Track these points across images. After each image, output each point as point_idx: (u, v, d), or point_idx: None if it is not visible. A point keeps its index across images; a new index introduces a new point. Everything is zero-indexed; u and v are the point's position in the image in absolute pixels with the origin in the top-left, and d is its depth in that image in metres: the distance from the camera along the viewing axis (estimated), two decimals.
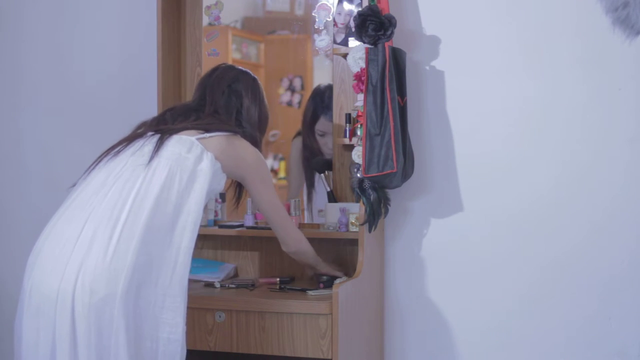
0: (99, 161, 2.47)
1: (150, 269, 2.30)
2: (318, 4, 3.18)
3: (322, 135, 3.27)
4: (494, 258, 3.12)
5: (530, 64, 3.07)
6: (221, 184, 2.56)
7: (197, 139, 2.49)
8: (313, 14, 3.19)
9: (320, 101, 3.28)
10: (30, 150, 3.69)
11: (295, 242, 2.82)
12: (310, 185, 3.32)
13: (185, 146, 2.45)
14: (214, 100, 2.66)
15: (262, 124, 2.77)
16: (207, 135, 2.52)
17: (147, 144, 2.46)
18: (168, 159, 2.41)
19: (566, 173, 3.05)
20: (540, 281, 3.08)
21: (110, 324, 2.24)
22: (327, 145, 3.24)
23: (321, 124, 3.27)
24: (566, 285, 3.06)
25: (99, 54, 3.59)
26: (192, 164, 2.43)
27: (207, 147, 2.49)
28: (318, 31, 3.20)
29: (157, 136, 2.48)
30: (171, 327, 2.34)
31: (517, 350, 3.11)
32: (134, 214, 2.30)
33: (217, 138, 2.53)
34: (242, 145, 2.61)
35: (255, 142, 2.69)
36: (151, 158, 2.40)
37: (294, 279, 3.16)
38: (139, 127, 2.63)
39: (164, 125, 2.55)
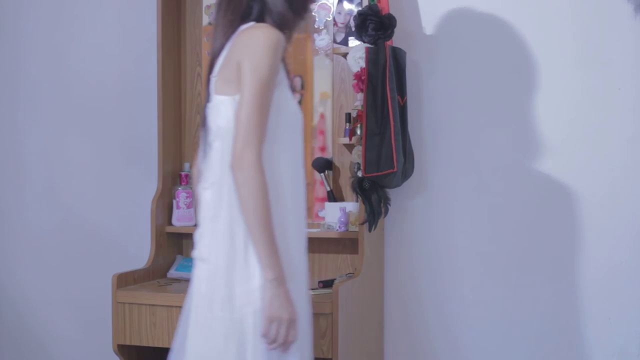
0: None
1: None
2: (318, 4, 3.18)
3: None
4: (494, 258, 3.12)
5: (530, 64, 3.07)
6: None
7: (221, 93, 2.18)
8: (313, 14, 3.19)
9: None
10: (30, 151, 3.69)
11: (246, 154, 2.08)
12: None
13: (219, 115, 2.20)
14: None
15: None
16: (223, 57, 2.18)
17: (202, 138, 2.27)
18: (216, 152, 2.20)
19: (565, 172, 3.05)
20: (540, 281, 3.08)
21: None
22: None
23: None
24: (566, 285, 3.06)
25: (98, 53, 3.58)
26: (228, 136, 2.17)
27: (228, 86, 2.16)
28: (318, 31, 3.20)
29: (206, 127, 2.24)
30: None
31: (517, 349, 3.11)
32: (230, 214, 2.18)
33: (229, 56, 2.16)
34: (250, 34, 2.14)
35: (284, 22, 2.19)
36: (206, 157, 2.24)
37: None
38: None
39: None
